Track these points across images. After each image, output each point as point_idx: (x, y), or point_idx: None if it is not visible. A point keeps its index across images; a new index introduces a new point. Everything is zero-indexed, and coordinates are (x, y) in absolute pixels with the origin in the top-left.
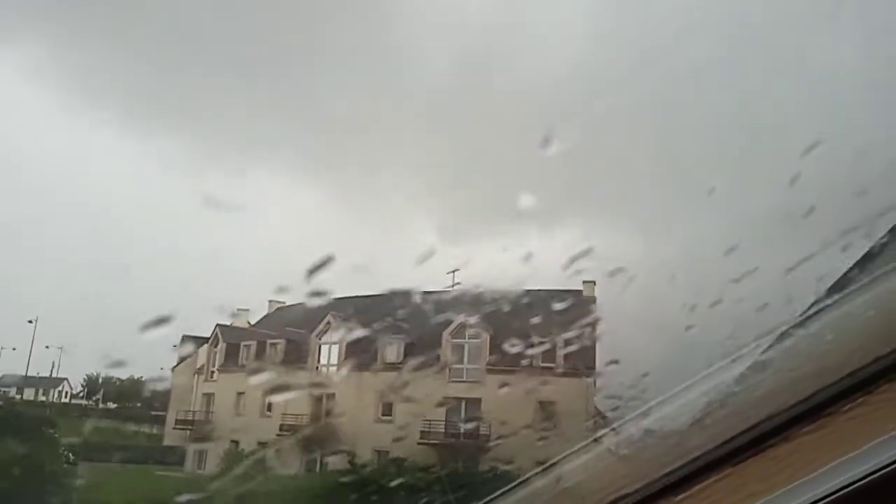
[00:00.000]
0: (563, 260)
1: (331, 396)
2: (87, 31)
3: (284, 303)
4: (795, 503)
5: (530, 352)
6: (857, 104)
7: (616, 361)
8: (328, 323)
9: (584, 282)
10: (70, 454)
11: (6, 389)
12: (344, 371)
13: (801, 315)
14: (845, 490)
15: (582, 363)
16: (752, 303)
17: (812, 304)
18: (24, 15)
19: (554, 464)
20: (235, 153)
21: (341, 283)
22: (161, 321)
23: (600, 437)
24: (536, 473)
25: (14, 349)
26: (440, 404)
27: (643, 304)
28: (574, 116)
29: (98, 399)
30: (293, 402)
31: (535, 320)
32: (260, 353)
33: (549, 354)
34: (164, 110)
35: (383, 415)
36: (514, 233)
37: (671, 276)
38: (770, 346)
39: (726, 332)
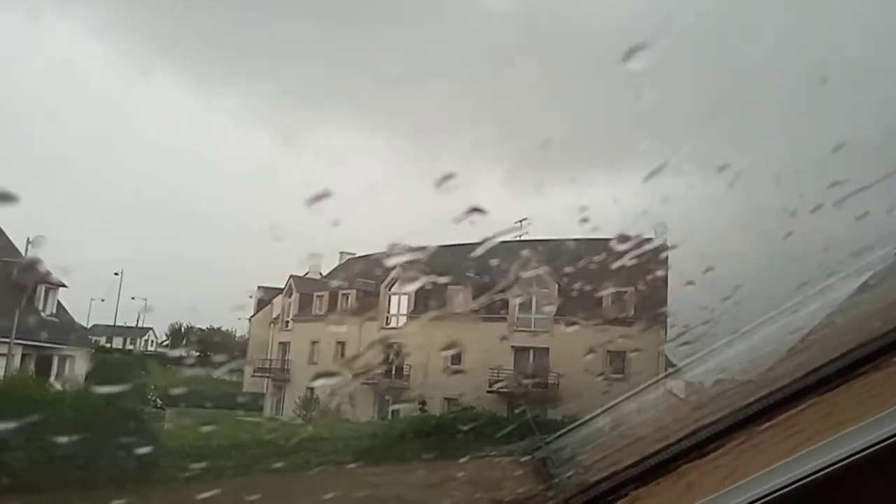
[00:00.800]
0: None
1: (401, 345)
2: None
3: (355, 254)
4: (884, 432)
5: (599, 300)
6: None
7: (712, 268)
8: (397, 273)
9: (656, 227)
10: (157, 399)
11: (96, 338)
12: (413, 320)
13: None
14: None
15: (653, 311)
16: (853, 209)
17: None
18: None
19: (624, 400)
20: (305, 106)
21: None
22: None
23: (675, 373)
24: (611, 407)
25: (102, 300)
26: (508, 353)
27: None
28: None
29: (182, 347)
30: (365, 351)
31: (605, 268)
32: (332, 303)
33: (619, 303)
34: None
35: (452, 363)
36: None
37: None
38: (863, 271)
39: (824, 241)
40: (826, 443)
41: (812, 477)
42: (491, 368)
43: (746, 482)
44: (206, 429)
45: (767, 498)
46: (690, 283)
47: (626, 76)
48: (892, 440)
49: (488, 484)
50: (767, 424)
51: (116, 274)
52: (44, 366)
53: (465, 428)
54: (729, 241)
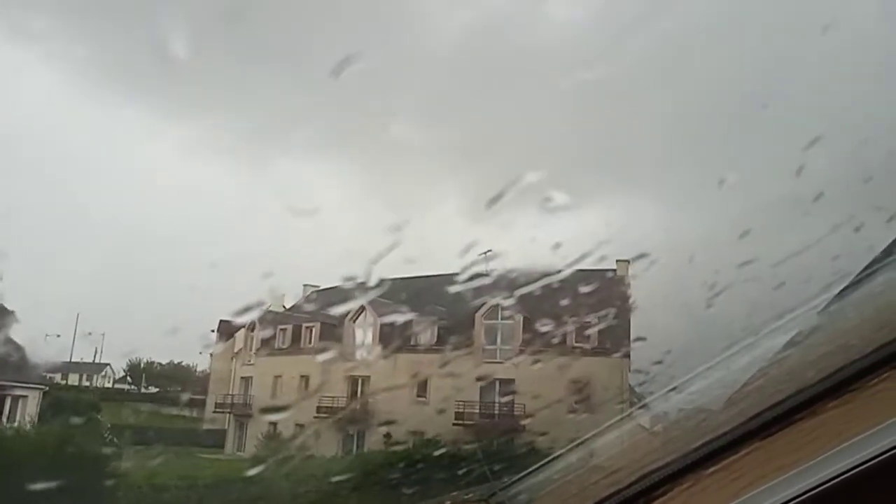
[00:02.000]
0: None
1: (366, 379)
2: None
3: (318, 286)
4: (822, 476)
5: (563, 332)
6: None
7: (643, 338)
8: (362, 306)
9: (618, 261)
10: (114, 437)
11: (51, 375)
12: (378, 353)
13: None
14: (871, 462)
15: (615, 342)
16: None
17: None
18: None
19: (586, 440)
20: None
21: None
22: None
23: (632, 413)
24: (569, 449)
25: (58, 336)
26: (474, 385)
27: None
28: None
29: (140, 384)
30: (329, 384)
31: (568, 301)
32: (296, 337)
33: (582, 334)
34: None
35: (418, 396)
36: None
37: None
38: (794, 323)
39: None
40: (766, 487)
41: None
42: (457, 401)
43: None
44: (165, 468)
45: None
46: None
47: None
48: (830, 484)
49: None
50: (713, 469)
51: (73, 310)
52: None
53: (425, 469)
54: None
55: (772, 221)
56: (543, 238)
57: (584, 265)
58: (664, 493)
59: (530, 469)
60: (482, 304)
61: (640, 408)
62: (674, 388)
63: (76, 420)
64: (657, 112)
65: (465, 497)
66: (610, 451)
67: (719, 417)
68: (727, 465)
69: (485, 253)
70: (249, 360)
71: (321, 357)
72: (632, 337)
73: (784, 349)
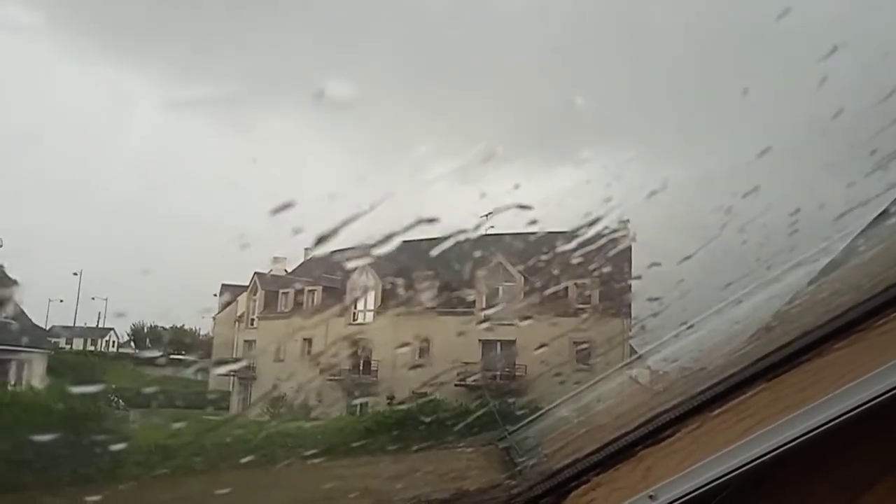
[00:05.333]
0: None
1: (368, 340)
2: None
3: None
4: (827, 415)
5: (564, 292)
6: None
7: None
8: (363, 269)
9: (620, 221)
10: (119, 400)
11: (56, 340)
12: (380, 316)
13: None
14: (876, 400)
15: (617, 303)
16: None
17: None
18: None
19: (592, 385)
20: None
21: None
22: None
23: (633, 363)
24: (575, 395)
25: (61, 301)
26: (475, 346)
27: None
28: None
29: (144, 347)
30: (331, 347)
31: (570, 262)
32: (297, 300)
33: (584, 294)
34: None
35: (420, 357)
36: None
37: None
38: (804, 264)
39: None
40: (774, 426)
41: (762, 458)
42: (459, 362)
43: (701, 465)
44: (172, 428)
45: (721, 479)
46: (637, 277)
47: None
48: (836, 422)
49: (453, 474)
50: (720, 410)
51: (75, 274)
52: (1, 368)
53: (431, 420)
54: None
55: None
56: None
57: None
58: (671, 434)
59: (537, 414)
60: (483, 265)
61: (644, 354)
62: (690, 326)
63: (81, 383)
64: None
65: (476, 440)
66: (616, 396)
67: (728, 359)
68: (734, 406)
69: (486, 215)
70: (252, 324)
71: (323, 320)
72: (632, 299)
73: (790, 290)
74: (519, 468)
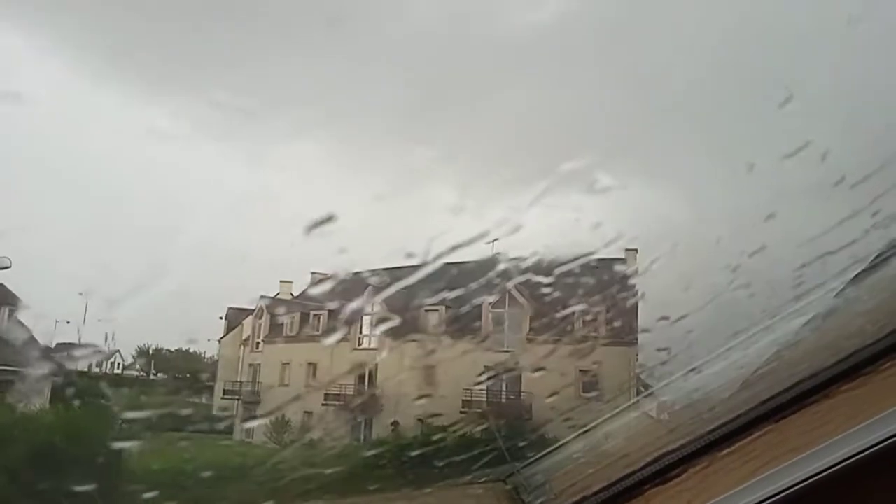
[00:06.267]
0: None
1: (373, 366)
2: None
3: (326, 274)
4: (834, 458)
5: (571, 321)
6: None
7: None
8: (369, 294)
9: (627, 250)
10: (122, 422)
11: (61, 361)
12: (385, 342)
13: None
14: (883, 444)
15: (623, 331)
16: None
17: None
18: None
19: (599, 424)
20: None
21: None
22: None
23: (641, 400)
24: (583, 433)
25: (68, 322)
26: (481, 374)
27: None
28: None
29: (149, 370)
30: (336, 372)
31: (576, 290)
32: (303, 324)
33: (591, 323)
34: None
35: (425, 384)
36: None
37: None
38: (811, 306)
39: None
40: (781, 468)
41: (768, 500)
42: (464, 388)
43: None
44: (173, 453)
45: None
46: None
47: None
48: (842, 465)
49: None
50: (727, 451)
51: (81, 294)
52: (4, 388)
53: (436, 451)
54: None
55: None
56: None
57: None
58: (679, 474)
59: (545, 451)
60: (489, 293)
61: (654, 392)
62: (693, 370)
63: (85, 404)
64: None
65: (483, 477)
66: (624, 434)
67: (734, 400)
68: (741, 447)
69: (492, 241)
70: (257, 348)
71: (328, 345)
72: (639, 324)
73: (799, 332)
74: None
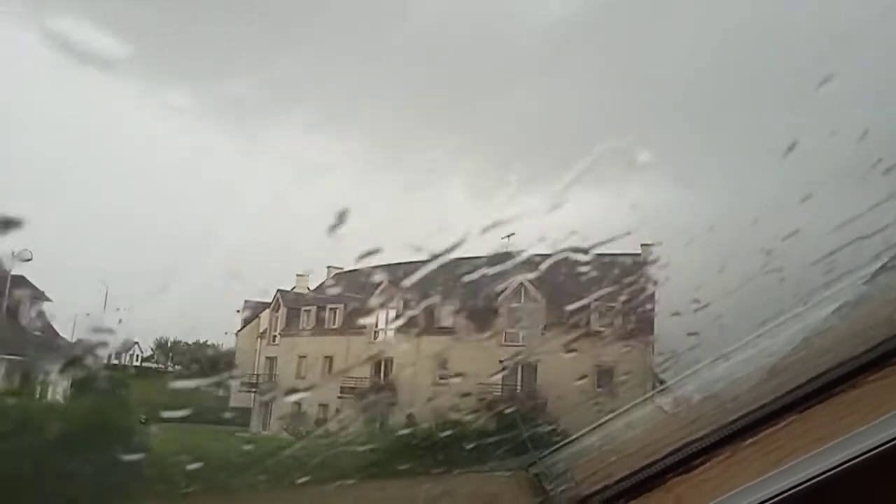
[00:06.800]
0: None
1: (389, 360)
2: None
3: (342, 268)
4: (863, 446)
5: (586, 315)
6: None
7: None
8: (385, 288)
9: (643, 245)
10: (142, 414)
11: (81, 353)
12: (401, 335)
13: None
14: None
15: (640, 327)
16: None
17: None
18: None
19: (620, 414)
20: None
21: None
22: None
23: (658, 393)
24: (604, 423)
25: (87, 314)
26: (496, 367)
27: None
28: None
29: (167, 362)
30: (352, 365)
31: (592, 284)
32: (320, 318)
33: (606, 318)
34: None
35: (440, 378)
36: None
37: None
38: (842, 293)
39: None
40: (805, 458)
41: (793, 490)
42: (480, 383)
43: (731, 495)
44: (192, 443)
45: None
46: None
47: None
48: (869, 455)
49: (486, 499)
50: (751, 440)
51: (102, 284)
52: (28, 380)
53: (458, 442)
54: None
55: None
56: None
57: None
58: (702, 463)
59: (565, 441)
60: (505, 287)
61: (676, 383)
62: (721, 357)
63: (105, 395)
64: None
65: (507, 465)
66: (646, 423)
67: (760, 389)
68: (765, 436)
69: (508, 236)
70: (274, 341)
71: (344, 338)
72: (655, 319)
73: (828, 319)
74: (550, 494)
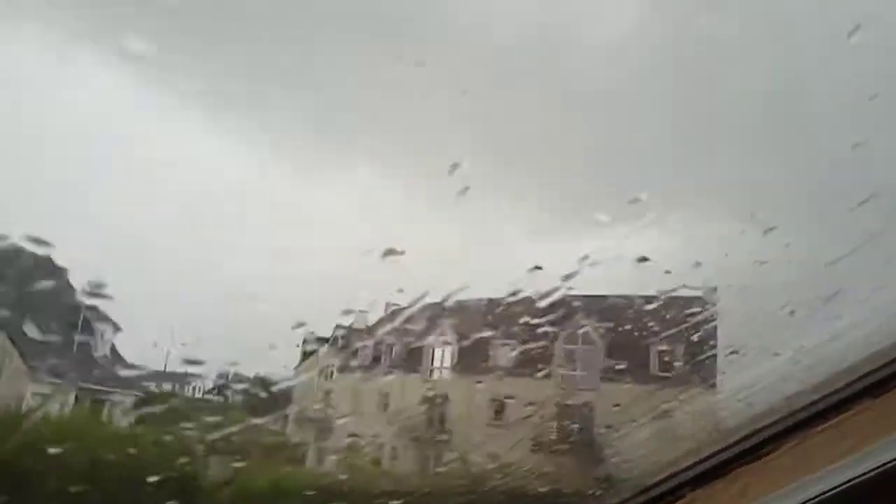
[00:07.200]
0: None
1: (444, 399)
2: None
3: (400, 305)
4: None
5: (646, 359)
6: None
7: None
8: (442, 327)
9: (704, 289)
10: (200, 445)
11: (147, 383)
12: (456, 374)
13: None
14: None
15: (701, 372)
16: None
17: None
18: None
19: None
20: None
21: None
22: None
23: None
24: (657, 419)
25: (154, 345)
26: (553, 411)
27: None
28: None
29: (228, 395)
30: (408, 403)
31: (653, 327)
32: (376, 355)
33: (667, 363)
34: None
35: (495, 419)
36: None
37: None
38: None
39: None
40: (881, 444)
41: (865, 477)
42: (535, 424)
43: (800, 484)
44: (249, 477)
45: (820, 498)
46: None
47: None
48: None
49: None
50: (821, 427)
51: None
52: (99, 406)
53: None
54: None
55: None
56: None
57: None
58: (770, 452)
59: (631, 426)
60: (562, 328)
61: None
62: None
63: (166, 427)
64: None
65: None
66: (711, 415)
67: (830, 375)
68: (837, 423)
69: (534, 268)
70: (331, 376)
71: (400, 376)
72: (718, 369)
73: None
74: (613, 481)
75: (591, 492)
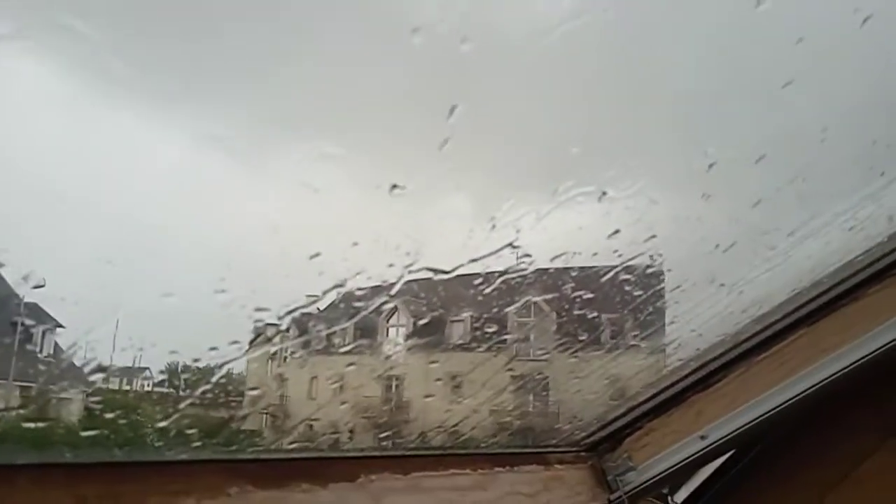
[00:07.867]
0: None
1: (400, 378)
2: None
3: (350, 288)
4: (864, 351)
5: (597, 328)
6: None
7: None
8: (395, 306)
9: (651, 256)
10: (155, 437)
11: (94, 378)
12: (412, 353)
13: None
14: None
15: (652, 339)
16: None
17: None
18: None
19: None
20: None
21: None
22: None
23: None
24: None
25: (100, 340)
26: (508, 383)
27: None
28: None
29: (178, 386)
30: (363, 385)
31: (603, 297)
32: (330, 338)
33: (618, 331)
34: None
35: (452, 394)
36: None
37: None
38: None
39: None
40: (815, 366)
41: (804, 394)
42: (492, 399)
43: (747, 406)
44: None
45: (764, 417)
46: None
47: None
48: (870, 357)
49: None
50: (764, 355)
51: (116, 320)
52: (44, 405)
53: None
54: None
55: None
56: None
57: None
58: (719, 380)
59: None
60: (514, 302)
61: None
62: (722, 285)
63: (118, 419)
64: None
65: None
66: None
67: (769, 308)
68: (777, 350)
69: (514, 248)
70: (284, 361)
71: (355, 358)
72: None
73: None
74: (580, 420)
75: (556, 426)
